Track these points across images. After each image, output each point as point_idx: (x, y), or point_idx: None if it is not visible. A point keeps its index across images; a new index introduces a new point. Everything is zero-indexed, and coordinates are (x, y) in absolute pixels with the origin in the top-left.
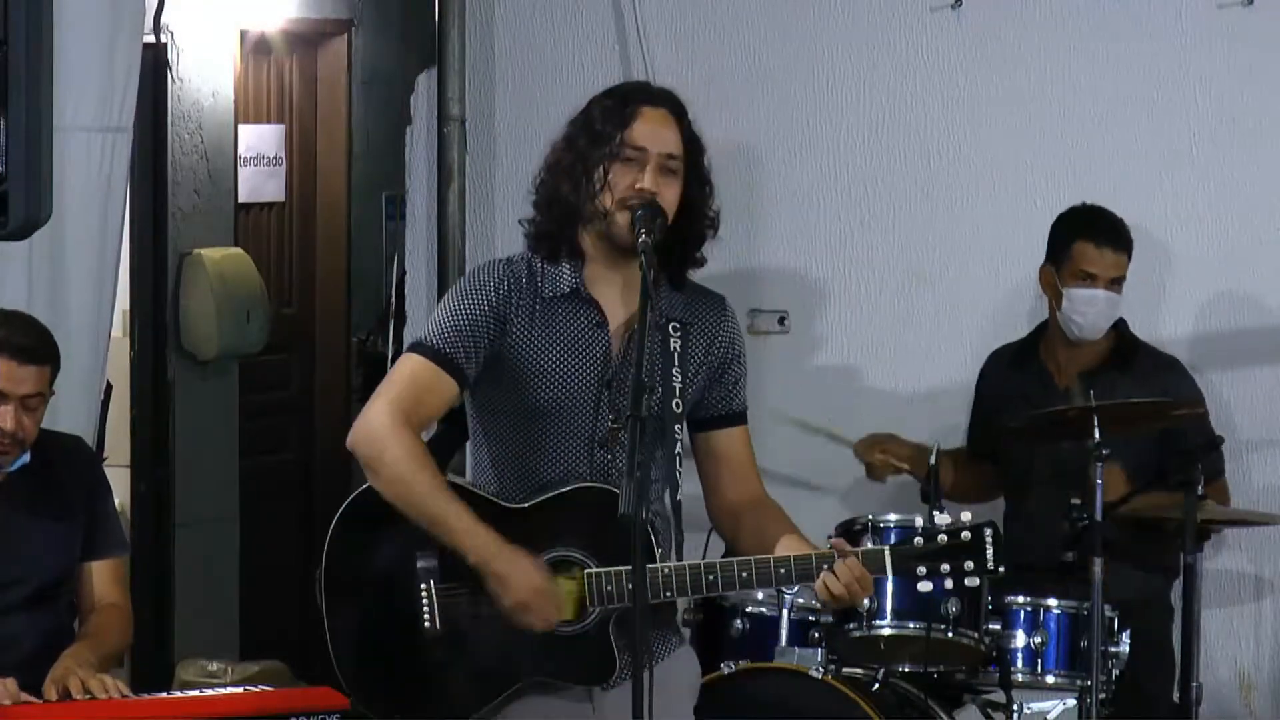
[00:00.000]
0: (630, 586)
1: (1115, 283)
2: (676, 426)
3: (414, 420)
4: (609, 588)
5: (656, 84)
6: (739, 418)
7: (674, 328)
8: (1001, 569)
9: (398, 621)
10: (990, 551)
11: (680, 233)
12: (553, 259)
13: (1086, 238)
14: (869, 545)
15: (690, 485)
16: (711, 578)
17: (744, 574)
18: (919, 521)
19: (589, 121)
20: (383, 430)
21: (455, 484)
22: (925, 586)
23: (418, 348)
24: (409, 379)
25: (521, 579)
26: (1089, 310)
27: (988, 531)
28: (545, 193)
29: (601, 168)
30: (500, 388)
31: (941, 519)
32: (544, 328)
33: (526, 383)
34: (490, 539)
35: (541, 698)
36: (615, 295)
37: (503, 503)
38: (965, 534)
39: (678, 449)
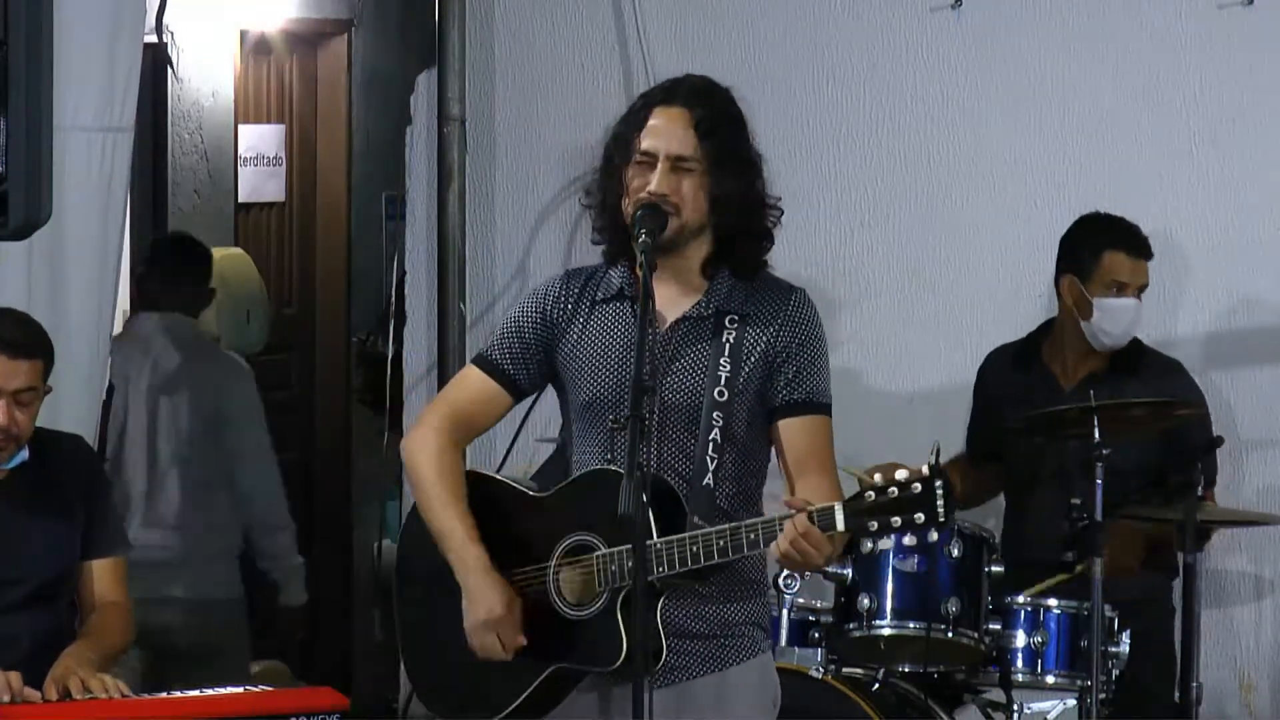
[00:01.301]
0: (630, 564)
1: (1140, 291)
2: (716, 414)
3: (462, 430)
4: (613, 567)
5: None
6: (801, 407)
7: (730, 320)
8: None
9: (448, 617)
10: (941, 502)
11: (725, 225)
12: (613, 262)
13: (1117, 248)
14: (888, 544)
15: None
16: (695, 549)
17: (720, 542)
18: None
19: (618, 124)
20: (421, 440)
21: (487, 476)
22: (886, 543)
23: (475, 358)
24: (463, 388)
25: (483, 604)
26: (1122, 320)
27: (938, 483)
28: (591, 196)
29: (621, 172)
30: (561, 390)
31: (900, 474)
32: (593, 329)
33: (577, 382)
34: (475, 558)
35: (580, 696)
36: (664, 293)
37: (526, 491)
38: (915, 486)
39: (714, 435)
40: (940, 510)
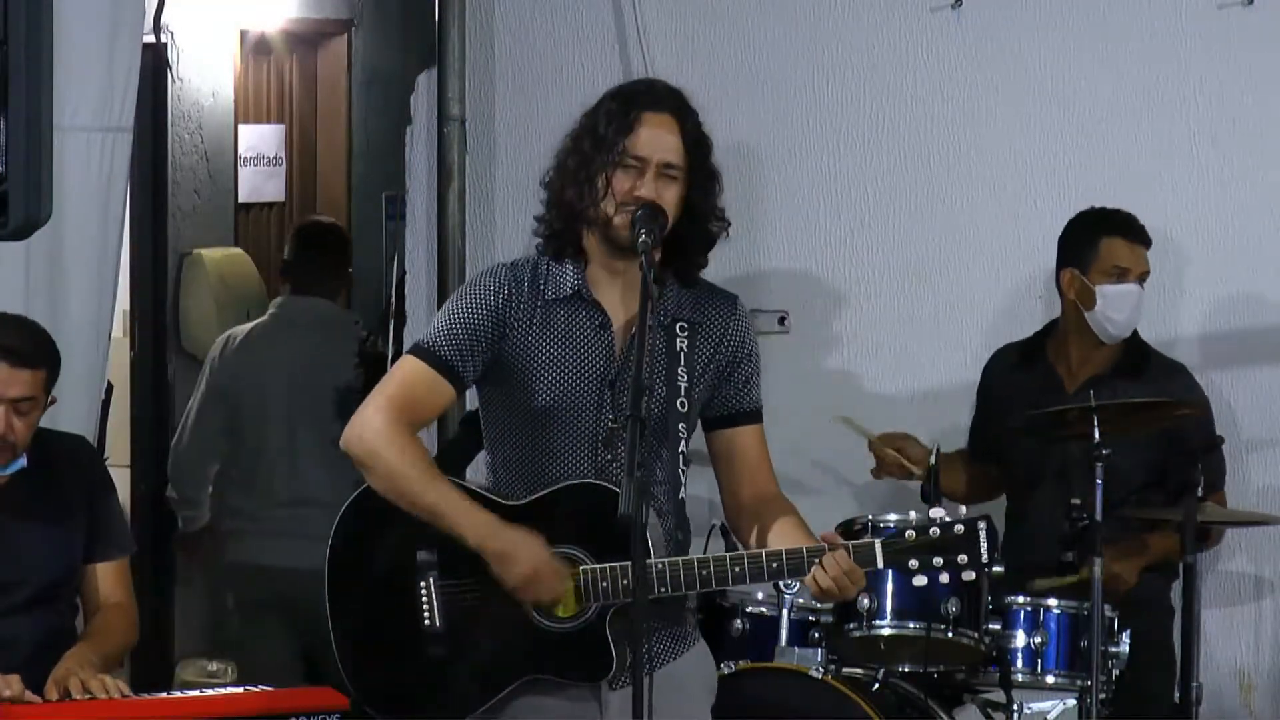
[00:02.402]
0: (625, 582)
1: (1142, 278)
2: (681, 425)
3: (412, 423)
4: (604, 583)
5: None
6: (751, 416)
7: (681, 327)
8: (995, 567)
9: (399, 619)
10: (984, 546)
11: (685, 233)
12: (558, 259)
13: (1115, 233)
14: (923, 581)
15: (696, 486)
16: (705, 572)
17: (736, 569)
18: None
19: (594, 124)
20: (375, 428)
21: (454, 482)
22: (920, 581)
23: (416, 350)
24: (405, 381)
25: (522, 554)
26: (1125, 305)
27: (981, 525)
28: (552, 193)
29: (604, 174)
30: (505, 389)
31: (936, 513)
32: (546, 329)
33: (530, 384)
34: (487, 519)
35: (548, 698)
36: (617, 296)
37: (500, 500)
38: (958, 528)
39: (681, 447)
40: (983, 553)
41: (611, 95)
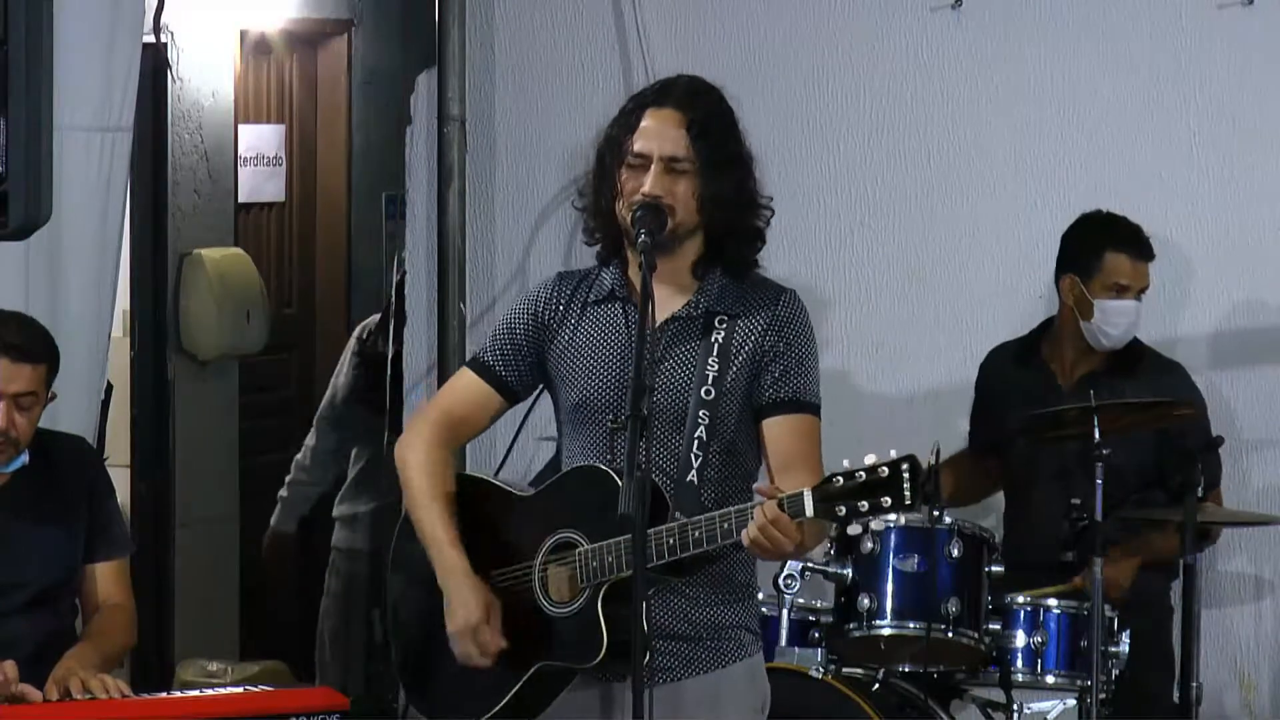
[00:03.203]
0: (611, 559)
1: (1141, 292)
2: (702, 412)
3: (453, 432)
4: (594, 563)
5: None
6: (787, 406)
7: (720, 320)
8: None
9: (436, 617)
10: (907, 486)
11: (716, 224)
12: (605, 262)
13: (1119, 249)
14: (858, 530)
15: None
16: (672, 540)
17: (695, 533)
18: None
19: (609, 127)
20: (411, 441)
21: (477, 477)
22: (855, 529)
23: (470, 361)
24: (455, 391)
25: (461, 610)
26: (1123, 321)
27: (904, 467)
28: (584, 199)
29: (615, 174)
30: (553, 392)
31: (869, 458)
32: (584, 331)
33: (567, 382)
34: (454, 562)
35: (568, 694)
36: (656, 293)
37: (514, 491)
38: (883, 470)
39: (699, 433)
40: (906, 493)
41: (631, 97)
